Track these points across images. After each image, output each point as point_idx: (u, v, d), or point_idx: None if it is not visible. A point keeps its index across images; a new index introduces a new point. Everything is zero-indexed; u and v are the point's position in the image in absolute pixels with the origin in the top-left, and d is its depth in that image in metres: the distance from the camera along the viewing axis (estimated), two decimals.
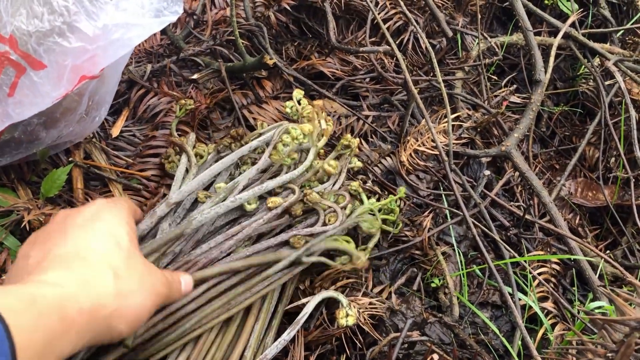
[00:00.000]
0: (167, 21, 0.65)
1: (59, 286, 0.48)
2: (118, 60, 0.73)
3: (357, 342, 0.78)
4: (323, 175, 0.85)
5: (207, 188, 0.81)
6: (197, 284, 0.67)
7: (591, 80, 1.27)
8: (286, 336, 0.71)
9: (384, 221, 0.89)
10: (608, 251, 1.07)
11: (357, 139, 0.95)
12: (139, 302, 0.53)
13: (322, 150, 0.87)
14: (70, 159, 0.87)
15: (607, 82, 1.20)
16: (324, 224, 0.78)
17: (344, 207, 0.81)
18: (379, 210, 0.87)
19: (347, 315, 0.74)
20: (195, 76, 1.00)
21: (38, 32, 0.60)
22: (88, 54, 0.61)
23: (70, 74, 0.63)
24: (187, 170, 0.83)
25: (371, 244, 0.82)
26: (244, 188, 0.77)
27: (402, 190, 0.90)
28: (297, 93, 0.94)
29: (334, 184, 0.85)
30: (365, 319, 0.76)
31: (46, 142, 0.79)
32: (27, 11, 0.59)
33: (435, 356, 0.66)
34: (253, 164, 0.83)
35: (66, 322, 0.46)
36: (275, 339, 0.72)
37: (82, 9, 0.58)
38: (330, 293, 0.77)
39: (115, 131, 0.94)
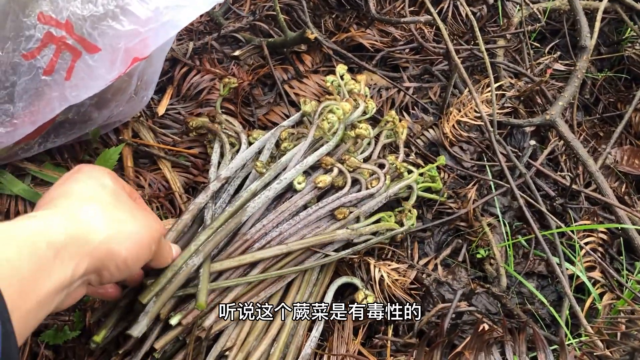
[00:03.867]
0: (215, 1, 0.66)
1: (43, 217, 0.48)
2: (166, 41, 0.74)
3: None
4: (361, 145, 0.86)
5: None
6: (255, 263, 0.70)
7: (637, 44, 1.23)
8: (315, 333, 0.73)
9: (429, 189, 0.89)
10: None
11: (401, 121, 0.94)
12: (134, 230, 0.53)
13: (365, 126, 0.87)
14: (120, 138, 0.89)
15: None
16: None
17: (386, 173, 0.82)
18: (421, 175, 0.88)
19: (366, 296, 0.76)
20: (236, 53, 1.01)
21: (92, 17, 0.61)
22: (140, 37, 0.63)
23: (123, 56, 0.64)
24: (222, 155, 0.84)
25: (409, 205, 0.84)
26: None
27: (441, 158, 0.91)
28: (340, 68, 0.93)
29: (371, 153, 0.86)
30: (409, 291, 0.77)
31: (98, 122, 0.81)
32: None
33: (485, 326, 0.67)
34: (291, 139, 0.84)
35: (55, 247, 0.45)
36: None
37: None
38: (344, 279, 0.78)
39: (161, 109, 0.95)
